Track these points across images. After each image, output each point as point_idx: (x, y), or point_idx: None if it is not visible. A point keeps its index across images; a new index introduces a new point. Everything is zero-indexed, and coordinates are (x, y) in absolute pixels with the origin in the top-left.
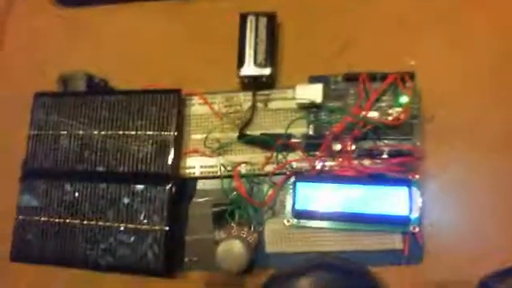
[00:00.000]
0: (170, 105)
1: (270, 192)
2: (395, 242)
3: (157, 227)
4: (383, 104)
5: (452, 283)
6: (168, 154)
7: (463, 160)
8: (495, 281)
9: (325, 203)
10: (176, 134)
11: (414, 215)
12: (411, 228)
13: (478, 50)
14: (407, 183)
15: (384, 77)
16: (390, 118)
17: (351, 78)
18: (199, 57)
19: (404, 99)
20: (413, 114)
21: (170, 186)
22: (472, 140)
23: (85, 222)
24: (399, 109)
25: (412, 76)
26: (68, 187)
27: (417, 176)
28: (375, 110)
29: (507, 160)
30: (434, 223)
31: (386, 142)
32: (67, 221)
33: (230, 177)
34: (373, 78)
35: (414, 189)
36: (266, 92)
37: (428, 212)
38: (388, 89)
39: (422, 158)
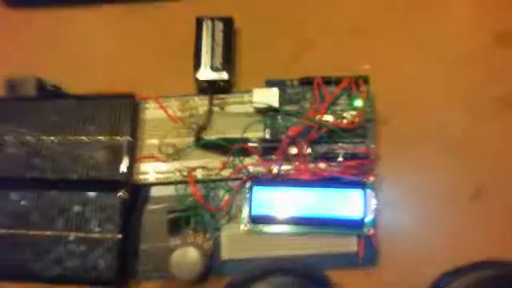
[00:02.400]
0: (123, 109)
1: (226, 197)
2: (350, 244)
3: (109, 235)
4: (338, 108)
5: (407, 285)
6: (121, 159)
7: (417, 162)
8: (446, 280)
9: (281, 207)
10: (130, 139)
11: (369, 218)
12: (366, 230)
13: (431, 54)
14: (362, 186)
15: (339, 81)
16: (345, 122)
17: (307, 82)
18: (154, 60)
19: (358, 103)
20: (367, 117)
21: (123, 192)
22: (426, 142)
23: (31, 233)
24: (354, 112)
25: (366, 80)
26: (14, 196)
27: (371, 178)
28: (330, 114)
29: (461, 162)
30: (388, 226)
31: (341, 145)
32: (11, 231)
33: (185, 182)
34: (328, 82)
35: (369, 191)
36: (223, 96)
37: (382, 214)
38: (342, 92)
39: (377, 161)
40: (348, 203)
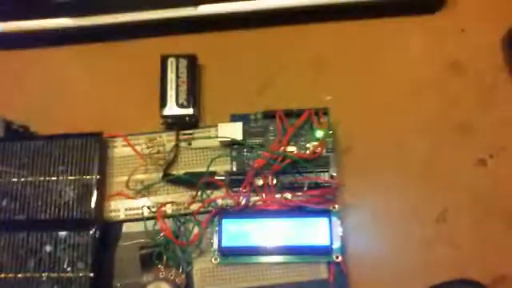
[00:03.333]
0: (91, 148)
1: (196, 231)
2: (321, 271)
3: (81, 274)
4: (300, 139)
5: None
6: (91, 198)
7: (380, 189)
8: None
9: (251, 238)
10: (98, 177)
11: (336, 244)
12: (334, 257)
13: (390, 83)
14: (327, 213)
15: (300, 113)
16: (307, 152)
17: (270, 116)
18: (122, 99)
19: (319, 133)
20: (328, 147)
21: (93, 230)
22: (388, 169)
23: (2, 276)
24: (315, 143)
25: (326, 111)
26: None
27: (336, 206)
28: (293, 145)
29: (424, 187)
30: (357, 252)
31: (305, 175)
32: None
33: (155, 218)
34: (289, 114)
35: (334, 219)
36: (190, 131)
37: (350, 241)
38: (304, 124)
39: (340, 189)
40: (315, 231)
